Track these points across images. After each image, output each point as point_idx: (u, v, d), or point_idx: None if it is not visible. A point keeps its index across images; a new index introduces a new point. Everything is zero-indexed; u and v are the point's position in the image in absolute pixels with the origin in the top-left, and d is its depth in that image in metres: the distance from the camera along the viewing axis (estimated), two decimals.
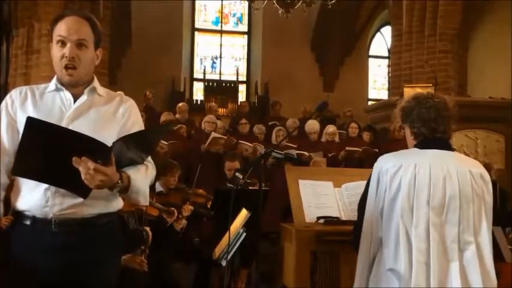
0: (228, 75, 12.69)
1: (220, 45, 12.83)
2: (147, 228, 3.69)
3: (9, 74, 6.88)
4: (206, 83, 12.16)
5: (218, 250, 3.42)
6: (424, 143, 2.24)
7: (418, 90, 6.69)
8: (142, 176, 1.88)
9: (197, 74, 12.58)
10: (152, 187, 4.39)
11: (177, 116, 7.65)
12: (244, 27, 13.07)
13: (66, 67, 1.89)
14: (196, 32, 12.73)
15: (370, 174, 2.29)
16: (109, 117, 1.96)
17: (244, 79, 12.83)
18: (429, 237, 2.08)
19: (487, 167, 5.78)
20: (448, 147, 2.24)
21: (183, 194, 4.56)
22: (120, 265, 2.11)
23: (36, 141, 1.69)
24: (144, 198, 1.90)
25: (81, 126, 1.82)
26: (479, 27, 10.17)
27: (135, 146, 1.83)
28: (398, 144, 5.65)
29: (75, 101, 1.94)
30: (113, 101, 2.00)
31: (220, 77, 12.64)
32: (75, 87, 1.95)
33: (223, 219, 3.18)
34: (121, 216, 3.04)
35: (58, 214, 1.84)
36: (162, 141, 6.05)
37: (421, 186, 2.13)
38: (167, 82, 11.54)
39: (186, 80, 12.16)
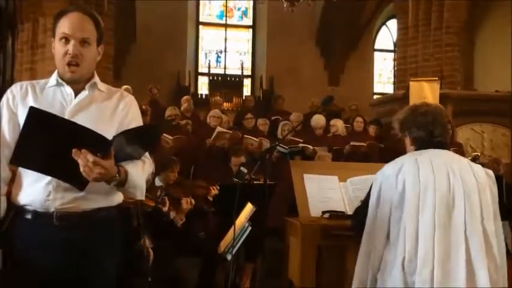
0: (233, 70, 12.64)
1: (225, 39, 12.79)
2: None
3: (15, 68, 6.93)
4: (211, 77, 12.14)
5: (223, 244, 3.43)
6: (422, 146, 2.33)
7: (424, 83, 6.67)
8: (139, 171, 1.90)
9: (202, 68, 12.55)
10: (152, 182, 4.42)
11: (182, 108, 7.64)
12: (249, 21, 13.01)
13: (69, 64, 1.90)
14: (200, 26, 12.68)
15: (370, 187, 2.37)
16: (109, 112, 1.98)
17: (249, 73, 12.79)
18: (435, 224, 2.15)
19: (496, 161, 5.79)
20: (446, 147, 2.34)
21: (182, 187, 4.56)
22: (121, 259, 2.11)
23: (37, 131, 1.69)
24: (140, 193, 1.92)
25: (82, 121, 1.82)
26: (485, 21, 10.11)
27: (134, 141, 1.84)
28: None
29: (75, 96, 1.95)
30: (113, 96, 2.02)
31: (225, 71, 12.61)
32: (77, 84, 1.96)
33: (228, 213, 3.18)
34: (125, 209, 3.04)
35: (60, 208, 1.86)
36: (167, 136, 6.05)
37: (426, 177, 2.21)
38: (172, 76, 11.53)
39: (190, 74, 12.13)
